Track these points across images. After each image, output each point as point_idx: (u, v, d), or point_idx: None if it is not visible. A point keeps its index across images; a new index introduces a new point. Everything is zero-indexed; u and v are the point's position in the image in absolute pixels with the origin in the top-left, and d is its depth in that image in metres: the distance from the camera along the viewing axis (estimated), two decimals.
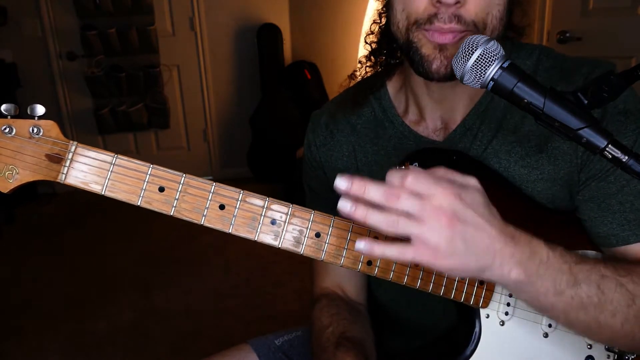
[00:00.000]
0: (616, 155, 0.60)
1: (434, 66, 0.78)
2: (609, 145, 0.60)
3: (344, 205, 0.60)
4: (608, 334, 0.72)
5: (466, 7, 0.75)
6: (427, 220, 0.59)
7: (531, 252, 0.65)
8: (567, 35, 2.91)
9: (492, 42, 0.66)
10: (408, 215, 0.59)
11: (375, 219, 0.59)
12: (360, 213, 0.59)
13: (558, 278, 0.67)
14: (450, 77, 0.78)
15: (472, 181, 0.64)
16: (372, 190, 0.59)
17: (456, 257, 0.60)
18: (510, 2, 0.80)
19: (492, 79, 0.65)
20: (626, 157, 0.60)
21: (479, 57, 0.65)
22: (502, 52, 0.65)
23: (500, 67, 0.64)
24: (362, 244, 0.60)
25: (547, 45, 3.00)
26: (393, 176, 0.60)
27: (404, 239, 0.60)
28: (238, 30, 4.47)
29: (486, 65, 0.65)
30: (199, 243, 3.33)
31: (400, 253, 0.60)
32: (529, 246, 0.66)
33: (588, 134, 0.61)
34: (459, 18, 0.75)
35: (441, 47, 0.77)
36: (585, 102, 0.63)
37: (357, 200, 0.59)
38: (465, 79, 0.67)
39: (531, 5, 0.94)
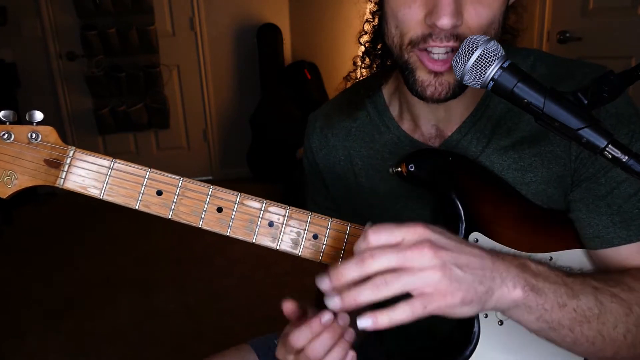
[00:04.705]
0: (616, 155, 0.60)
1: (429, 92, 0.78)
2: (609, 145, 0.60)
3: (333, 303, 0.58)
4: (614, 347, 0.71)
5: (466, 25, 0.73)
6: (413, 262, 0.57)
7: (521, 265, 0.64)
8: (567, 35, 2.91)
9: (492, 42, 0.66)
10: (393, 270, 0.57)
11: (366, 292, 0.56)
12: (350, 298, 0.57)
13: (557, 290, 0.66)
14: (445, 100, 0.78)
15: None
16: (347, 268, 0.57)
17: (462, 286, 0.58)
18: (507, 10, 0.79)
19: (492, 79, 0.65)
20: (626, 157, 0.59)
21: (479, 57, 0.65)
22: (502, 52, 0.65)
23: (500, 67, 0.64)
24: (365, 321, 0.57)
25: (547, 46, 3.01)
26: (357, 245, 0.59)
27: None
28: (238, 30, 4.47)
29: (486, 65, 0.65)
30: (199, 243, 3.33)
31: (409, 310, 0.57)
32: (517, 260, 0.64)
33: (588, 134, 0.61)
34: (456, 36, 0.73)
35: (436, 74, 0.77)
36: (585, 102, 0.63)
37: (341, 290, 0.57)
38: (465, 79, 0.67)
39: (526, 9, 0.92)
